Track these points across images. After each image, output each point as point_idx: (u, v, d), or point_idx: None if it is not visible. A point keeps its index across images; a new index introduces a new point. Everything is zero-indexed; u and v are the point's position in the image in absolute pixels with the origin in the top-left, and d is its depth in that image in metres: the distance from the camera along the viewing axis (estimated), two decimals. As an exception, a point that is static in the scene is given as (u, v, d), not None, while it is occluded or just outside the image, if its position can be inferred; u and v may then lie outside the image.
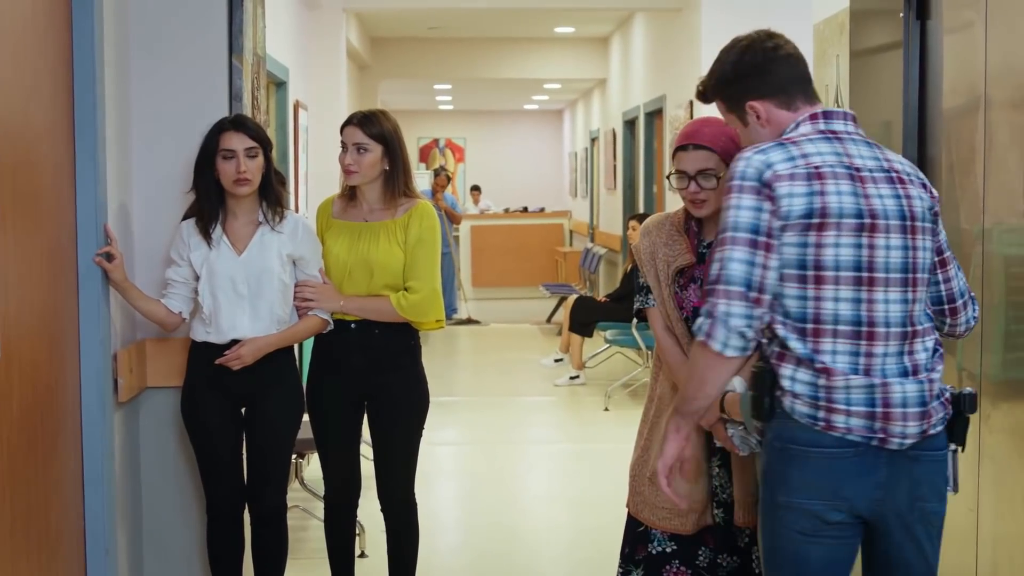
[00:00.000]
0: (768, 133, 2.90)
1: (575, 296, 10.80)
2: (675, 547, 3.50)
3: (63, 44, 3.60)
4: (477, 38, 14.69)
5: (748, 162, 2.74)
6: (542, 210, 19.08)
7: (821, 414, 2.72)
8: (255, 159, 3.93)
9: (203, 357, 3.99)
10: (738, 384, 3.36)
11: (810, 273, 2.71)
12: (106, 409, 3.77)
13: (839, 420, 2.72)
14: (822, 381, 2.72)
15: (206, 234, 3.94)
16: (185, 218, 4.00)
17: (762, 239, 2.68)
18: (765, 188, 2.70)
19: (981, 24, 3.57)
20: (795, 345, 2.73)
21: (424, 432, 4.24)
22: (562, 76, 15.96)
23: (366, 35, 13.54)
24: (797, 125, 2.85)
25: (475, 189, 20.64)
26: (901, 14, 3.95)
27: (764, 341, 2.78)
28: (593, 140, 17.33)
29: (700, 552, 3.50)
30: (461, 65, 15.20)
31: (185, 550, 4.31)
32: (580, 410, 9.05)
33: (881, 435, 2.72)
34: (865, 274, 2.73)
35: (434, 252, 4.10)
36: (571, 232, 17.83)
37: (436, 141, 24.00)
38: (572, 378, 9.94)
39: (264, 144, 3.97)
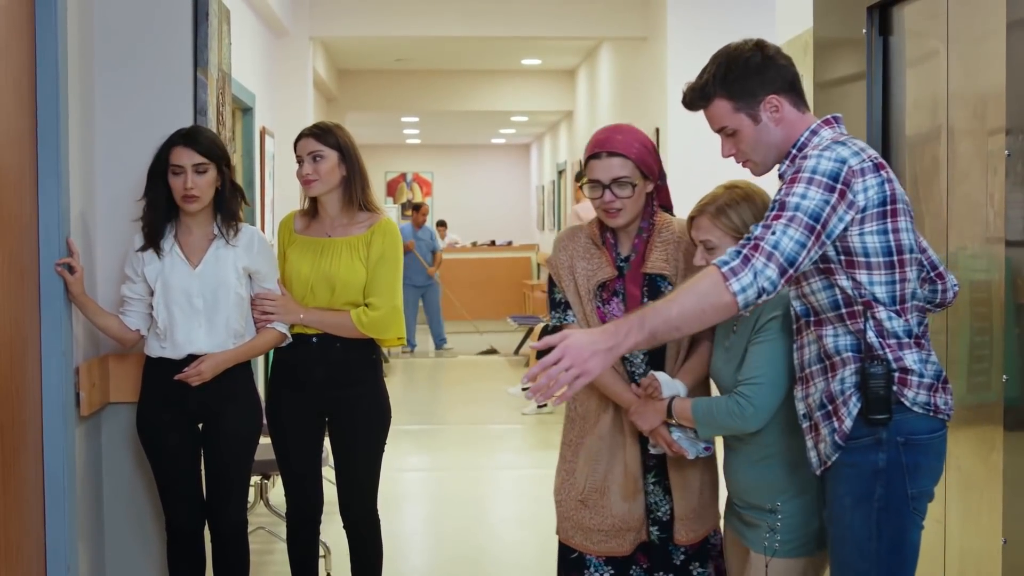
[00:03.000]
0: (778, 134, 2.84)
1: (542, 324, 10.78)
2: (612, 571, 3.43)
3: (26, 54, 3.57)
4: (444, 70, 14.74)
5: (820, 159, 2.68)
6: (510, 243, 19.10)
7: (932, 399, 2.74)
8: (204, 175, 3.86)
9: (158, 373, 3.94)
10: (680, 388, 3.28)
11: (895, 258, 2.71)
12: (67, 423, 3.72)
13: (940, 401, 2.76)
14: (929, 358, 2.76)
15: (155, 246, 3.88)
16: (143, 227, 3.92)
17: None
18: (843, 186, 2.66)
19: (943, 50, 3.60)
20: (897, 326, 2.72)
21: (392, 458, 4.20)
22: (529, 108, 16.02)
23: (333, 67, 13.56)
24: (815, 132, 2.82)
25: (441, 224, 20.60)
26: (864, 30, 3.99)
27: (869, 339, 2.73)
28: (560, 173, 17.38)
29: (632, 570, 3.41)
30: (428, 97, 15.24)
31: (147, 566, 4.27)
32: (548, 437, 8.99)
33: (950, 412, 2.80)
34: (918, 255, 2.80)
35: (396, 269, 4.08)
36: (538, 265, 17.83)
37: (404, 175, 24.00)
38: (540, 407, 9.89)
39: (217, 159, 3.89)
